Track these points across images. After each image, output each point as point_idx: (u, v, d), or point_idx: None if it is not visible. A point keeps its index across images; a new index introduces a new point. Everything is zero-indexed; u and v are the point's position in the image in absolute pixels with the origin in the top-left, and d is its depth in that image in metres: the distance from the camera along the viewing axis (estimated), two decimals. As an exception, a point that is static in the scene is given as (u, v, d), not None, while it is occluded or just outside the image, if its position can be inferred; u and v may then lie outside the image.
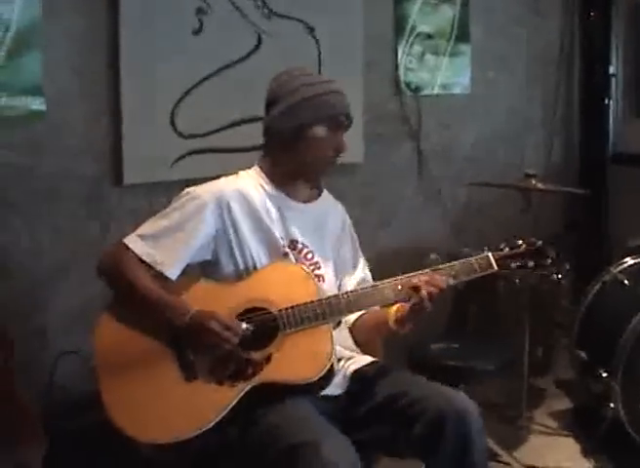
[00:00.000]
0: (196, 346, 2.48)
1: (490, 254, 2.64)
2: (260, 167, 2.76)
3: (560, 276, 4.27)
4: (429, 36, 4.73)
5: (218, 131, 4.01)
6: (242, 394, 2.45)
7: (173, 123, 3.87)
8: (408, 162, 4.77)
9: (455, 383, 3.57)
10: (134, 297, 2.51)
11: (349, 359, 2.75)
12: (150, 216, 2.66)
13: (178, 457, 2.53)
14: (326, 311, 2.52)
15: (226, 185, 2.67)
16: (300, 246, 2.70)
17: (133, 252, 2.53)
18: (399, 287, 2.55)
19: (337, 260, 2.81)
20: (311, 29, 4.22)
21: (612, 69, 5.25)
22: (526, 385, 4.02)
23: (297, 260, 2.68)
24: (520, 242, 2.66)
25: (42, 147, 3.57)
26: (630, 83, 5.35)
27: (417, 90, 4.72)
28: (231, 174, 2.79)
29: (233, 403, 2.45)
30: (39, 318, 3.61)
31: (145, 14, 3.72)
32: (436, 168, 4.87)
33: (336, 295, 2.57)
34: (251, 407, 2.46)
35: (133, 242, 2.55)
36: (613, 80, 5.27)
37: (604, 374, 3.72)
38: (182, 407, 2.47)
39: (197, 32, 3.88)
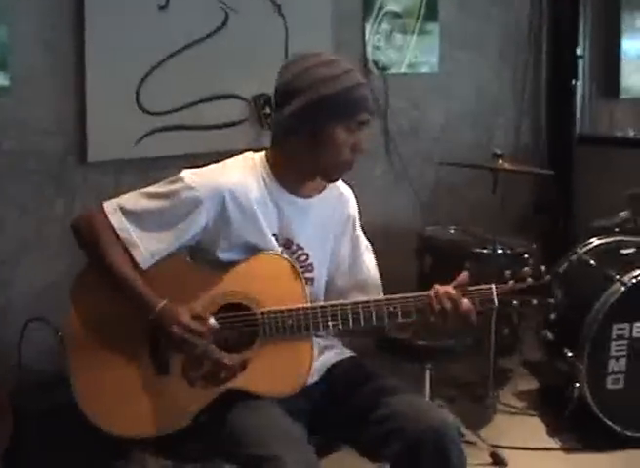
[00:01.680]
0: (166, 343, 2.37)
1: (494, 288, 2.42)
2: (267, 158, 2.52)
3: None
4: (397, 14, 4.70)
5: (184, 108, 3.96)
6: (212, 398, 2.39)
7: (138, 100, 3.82)
8: (376, 141, 4.75)
9: (423, 362, 3.61)
10: (105, 272, 2.38)
11: (327, 348, 2.63)
12: (115, 195, 2.45)
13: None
14: (312, 323, 2.39)
15: (225, 178, 2.43)
16: (294, 247, 2.53)
17: (109, 222, 2.37)
18: (393, 308, 2.40)
19: (333, 259, 2.63)
20: (278, 7, 4.18)
21: (579, 50, 5.25)
22: (492, 365, 4.02)
23: None
24: (527, 271, 2.44)
25: (5, 123, 3.51)
26: (597, 64, 5.36)
27: (384, 69, 4.70)
28: (212, 156, 2.58)
29: (202, 407, 2.38)
30: (2, 295, 3.57)
31: (111, -12, 3.66)
32: (404, 147, 4.85)
33: (332, 305, 2.42)
34: (220, 406, 2.38)
35: (112, 212, 2.37)
36: (580, 61, 5.27)
37: (570, 354, 3.74)
38: (152, 403, 2.39)
39: (163, 7, 3.83)
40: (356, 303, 2.42)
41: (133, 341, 2.40)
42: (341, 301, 2.46)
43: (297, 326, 2.39)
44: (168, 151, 3.87)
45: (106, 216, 2.37)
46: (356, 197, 2.70)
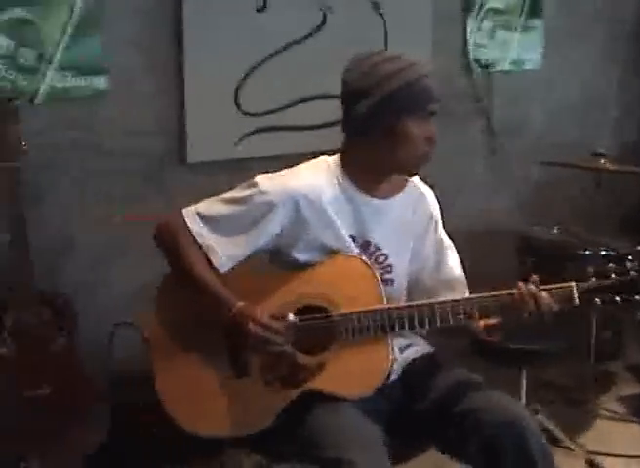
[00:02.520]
0: (244, 342, 2.39)
1: (574, 286, 2.40)
2: (342, 159, 2.54)
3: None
4: (500, 11, 4.64)
5: (282, 109, 3.99)
6: (290, 400, 2.41)
7: (237, 101, 3.87)
8: (478, 140, 4.70)
9: (517, 365, 3.56)
10: (185, 276, 2.45)
11: (408, 346, 2.64)
12: (213, 195, 2.55)
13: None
14: (388, 324, 2.41)
15: (298, 181, 2.46)
16: (372, 248, 2.54)
17: (188, 228, 2.44)
18: (470, 308, 2.40)
19: (417, 259, 2.63)
20: (377, 5, 4.17)
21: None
22: (593, 368, 3.94)
23: None
24: (611, 268, 2.39)
25: (106, 125, 3.60)
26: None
27: (487, 66, 4.65)
28: (309, 157, 2.60)
29: (282, 408, 2.41)
30: (102, 293, 3.66)
31: (210, -9, 3.72)
32: (507, 145, 4.80)
33: (409, 306, 2.44)
34: (299, 408, 2.41)
35: (191, 217, 2.45)
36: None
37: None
38: (232, 404, 2.44)
39: (261, 9, 3.86)
40: (432, 304, 2.43)
41: (212, 344, 2.44)
42: (417, 302, 2.47)
43: (373, 327, 2.41)
44: (266, 152, 3.90)
45: (185, 223, 2.44)
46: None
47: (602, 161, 3.90)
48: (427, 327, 2.44)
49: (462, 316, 2.41)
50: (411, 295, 2.63)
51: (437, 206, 2.69)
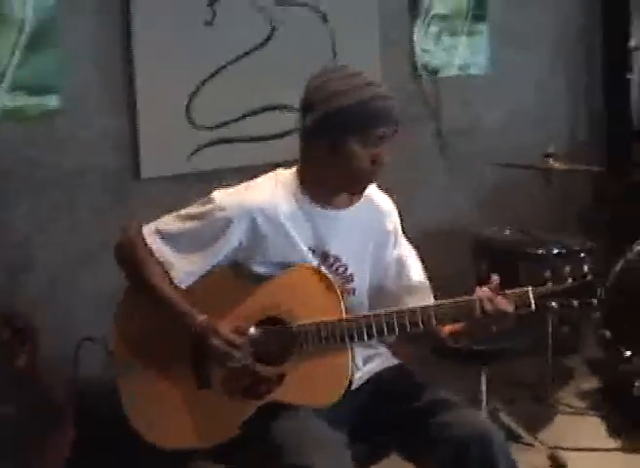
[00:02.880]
0: (207, 356, 2.43)
1: (530, 290, 2.38)
2: (297, 172, 2.54)
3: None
4: (445, 17, 4.70)
5: (234, 121, 4.02)
6: (253, 411, 2.43)
7: (189, 115, 3.90)
8: (429, 144, 4.75)
9: (479, 365, 3.60)
10: (146, 291, 2.48)
11: (373, 357, 2.64)
12: (170, 210, 2.56)
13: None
14: (346, 335, 2.41)
15: (254, 196, 2.47)
16: (331, 259, 2.54)
17: (148, 245, 2.46)
18: (427, 316, 2.40)
19: (378, 266, 2.63)
20: (324, 16, 4.21)
21: (633, 43, 5.17)
22: (551, 364, 4.00)
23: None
24: (567, 272, 2.38)
25: (61, 143, 3.62)
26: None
27: (434, 71, 4.70)
28: (264, 168, 2.61)
29: (244, 419, 2.43)
30: (61, 311, 3.66)
31: (158, 5, 3.74)
32: (459, 148, 4.85)
33: (366, 316, 2.43)
34: (262, 417, 2.43)
35: (150, 234, 2.47)
36: (634, 54, 5.19)
37: (628, 353, 3.71)
38: (197, 416, 2.46)
39: (210, 23, 3.89)
40: (389, 313, 2.43)
41: (175, 356, 2.47)
42: (375, 311, 2.47)
43: (332, 337, 2.41)
44: (221, 164, 3.93)
45: (145, 240, 2.47)
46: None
47: (552, 161, 3.96)
48: (386, 336, 2.45)
49: (421, 324, 2.41)
50: (375, 303, 2.62)
51: (396, 212, 2.69)
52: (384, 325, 2.42)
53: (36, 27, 3.46)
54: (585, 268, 2.40)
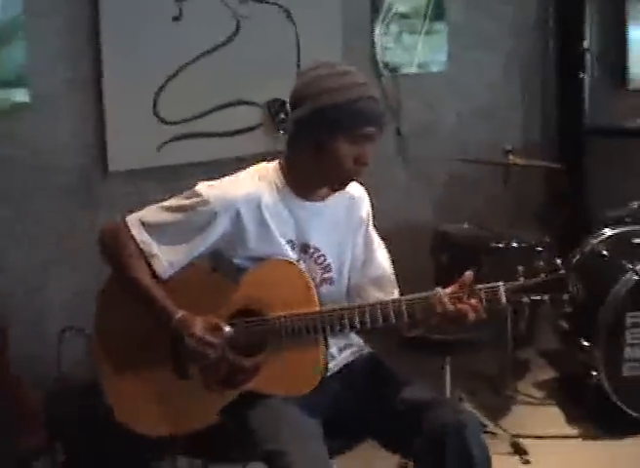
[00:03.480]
0: (183, 351, 2.48)
1: (501, 286, 2.39)
2: (280, 164, 2.59)
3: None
4: (405, 16, 4.78)
5: (200, 116, 4.05)
6: (229, 401, 2.48)
7: (156, 110, 3.92)
8: (389, 141, 4.82)
9: (442, 356, 3.68)
10: (128, 283, 2.51)
11: (347, 346, 2.70)
12: (139, 203, 2.61)
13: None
14: (320, 327, 2.45)
15: (238, 190, 2.51)
16: (311, 250, 2.59)
17: (132, 235, 2.49)
18: (399, 309, 2.42)
19: (352, 258, 2.68)
20: (288, 13, 4.26)
21: (586, 43, 5.29)
22: (511, 357, 4.10)
23: (307, 265, 2.58)
24: (540, 266, 2.38)
25: (29, 139, 3.62)
26: (605, 56, 5.41)
27: (394, 70, 4.78)
28: (227, 164, 2.70)
29: (220, 408, 2.48)
30: (34, 306, 3.68)
31: (126, 2, 3.76)
32: (418, 146, 4.92)
33: (340, 308, 2.47)
34: (239, 407, 2.48)
35: (135, 225, 2.50)
36: (587, 54, 5.32)
37: (586, 344, 3.81)
38: (176, 405, 2.52)
39: (177, 19, 3.92)
40: (363, 306, 2.47)
41: (156, 347, 2.52)
42: (349, 304, 2.52)
43: (305, 329, 2.45)
44: (187, 159, 3.97)
45: (129, 230, 2.50)
46: (373, 197, 2.75)
47: (510, 157, 4.05)
48: (359, 328, 2.49)
49: (393, 317, 2.44)
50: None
51: (369, 205, 2.74)
52: (357, 317, 2.45)
53: (4, 23, 3.45)
54: (558, 262, 2.41)
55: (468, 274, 2.44)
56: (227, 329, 2.46)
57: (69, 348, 3.52)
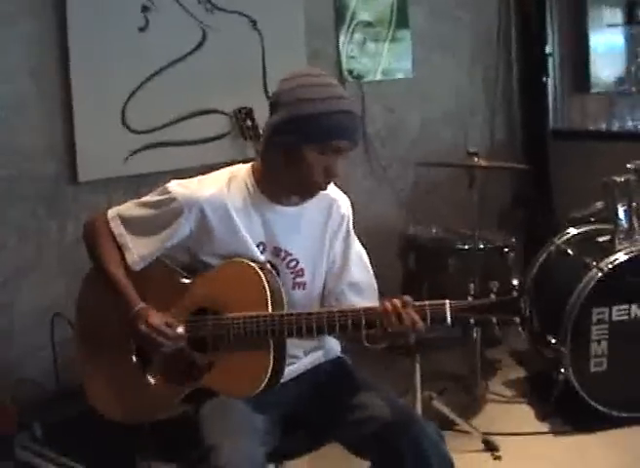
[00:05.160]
0: (135, 341, 2.59)
1: (447, 304, 2.35)
2: (254, 167, 2.62)
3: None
4: (369, 24, 4.85)
5: (168, 125, 4.10)
6: (185, 394, 2.54)
7: (124, 119, 3.96)
8: (358, 146, 4.84)
9: (411, 355, 3.71)
10: (101, 272, 2.60)
11: (315, 349, 2.72)
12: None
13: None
14: (269, 331, 2.45)
15: (205, 190, 2.55)
16: (283, 254, 2.61)
17: (110, 228, 2.59)
18: (344, 320, 2.40)
19: (328, 263, 2.68)
20: (254, 22, 4.32)
21: (548, 48, 5.39)
22: (480, 356, 4.15)
23: (280, 269, 2.60)
24: (493, 286, 2.40)
25: (-1, 150, 3.65)
26: (567, 61, 5.50)
27: (359, 77, 4.84)
28: (195, 172, 2.67)
29: (176, 402, 2.55)
30: (4, 317, 3.71)
31: (92, 13, 3.80)
32: (383, 151, 4.99)
33: (290, 314, 2.46)
34: (195, 402, 2.53)
35: (113, 218, 2.61)
36: (550, 59, 5.42)
37: (553, 341, 3.87)
38: (142, 395, 2.59)
39: (143, 29, 3.97)
40: (310, 314, 2.46)
41: (125, 339, 2.60)
42: (299, 311, 2.50)
43: (256, 332, 2.46)
44: (155, 167, 4.00)
45: (108, 222, 2.61)
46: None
47: (475, 159, 4.10)
48: (316, 335, 2.49)
49: (337, 328, 2.42)
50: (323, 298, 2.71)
51: (350, 211, 2.74)
52: (304, 325, 2.44)
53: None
54: (515, 282, 2.35)
55: (407, 298, 2.39)
56: (180, 329, 2.52)
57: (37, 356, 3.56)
